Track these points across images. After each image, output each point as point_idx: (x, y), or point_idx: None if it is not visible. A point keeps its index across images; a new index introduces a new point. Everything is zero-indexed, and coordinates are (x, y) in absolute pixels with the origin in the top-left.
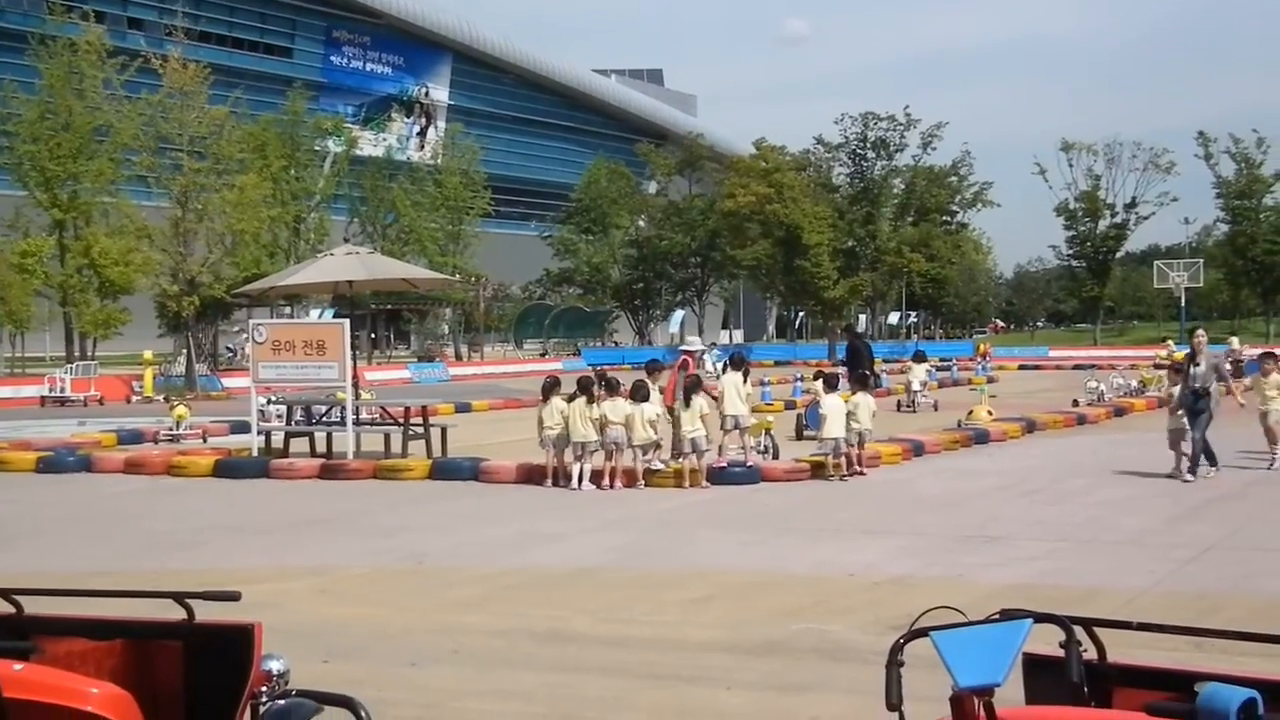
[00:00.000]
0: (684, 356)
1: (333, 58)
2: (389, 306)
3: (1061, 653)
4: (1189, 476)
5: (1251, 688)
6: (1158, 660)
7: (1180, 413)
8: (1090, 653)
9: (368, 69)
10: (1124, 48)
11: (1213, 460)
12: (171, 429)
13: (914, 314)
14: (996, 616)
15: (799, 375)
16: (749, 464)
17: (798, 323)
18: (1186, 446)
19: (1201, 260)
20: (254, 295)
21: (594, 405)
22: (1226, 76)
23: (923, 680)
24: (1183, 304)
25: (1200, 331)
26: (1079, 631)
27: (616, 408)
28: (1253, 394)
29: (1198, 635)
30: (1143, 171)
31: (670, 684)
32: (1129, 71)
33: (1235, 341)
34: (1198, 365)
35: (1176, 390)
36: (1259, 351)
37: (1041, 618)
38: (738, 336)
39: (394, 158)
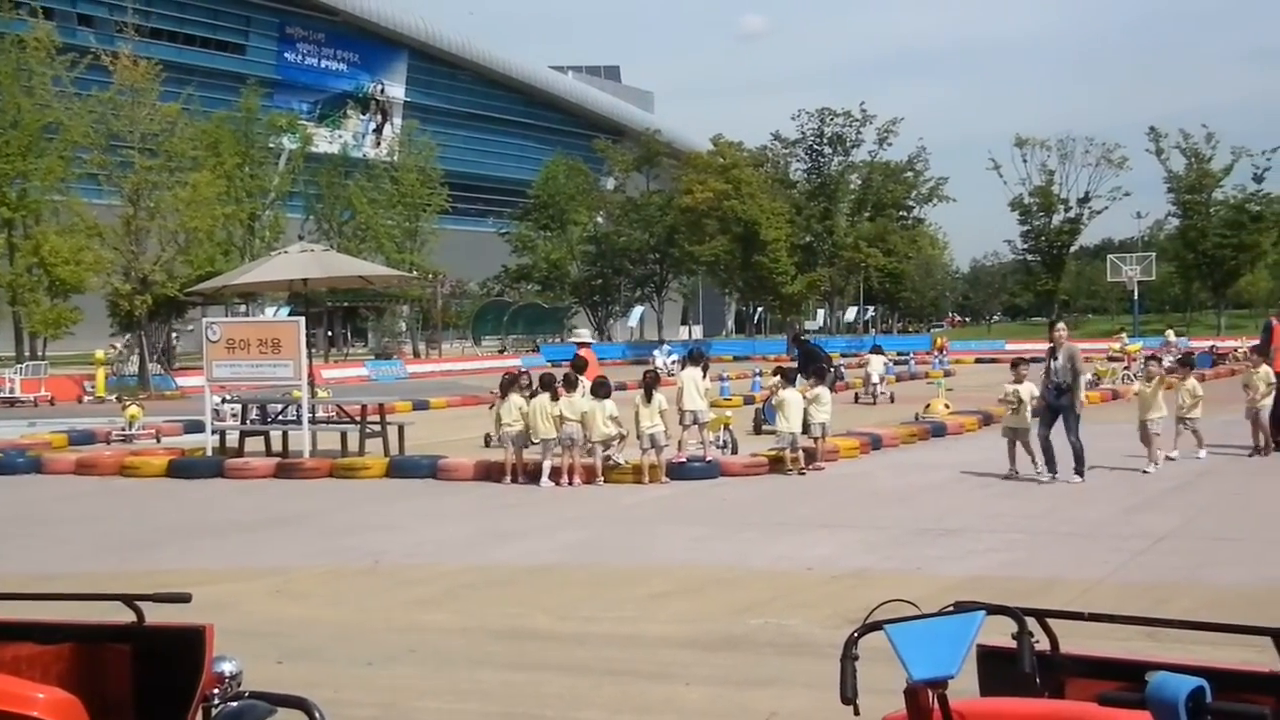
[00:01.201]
0: (579, 351)
1: (287, 54)
2: (345, 304)
3: (1014, 644)
4: (1044, 475)
5: (1200, 676)
6: (1111, 650)
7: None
8: (1043, 644)
9: (323, 65)
10: (1077, 45)
11: (1052, 467)
12: (124, 429)
13: (871, 308)
14: (950, 609)
15: (757, 370)
16: (708, 459)
17: (756, 318)
18: (1034, 444)
19: (1154, 254)
20: (208, 294)
21: (556, 402)
22: (1177, 73)
23: (879, 673)
24: (1136, 297)
25: (1061, 325)
26: (1032, 623)
27: (573, 405)
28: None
29: (1149, 625)
30: (1095, 166)
31: (629, 680)
32: (1082, 68)
33: (1171, 334)
34: (1056, 359)
35: (1018, 387)
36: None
37: (994, 609)
38: (697, 332)
39: (350, 155)
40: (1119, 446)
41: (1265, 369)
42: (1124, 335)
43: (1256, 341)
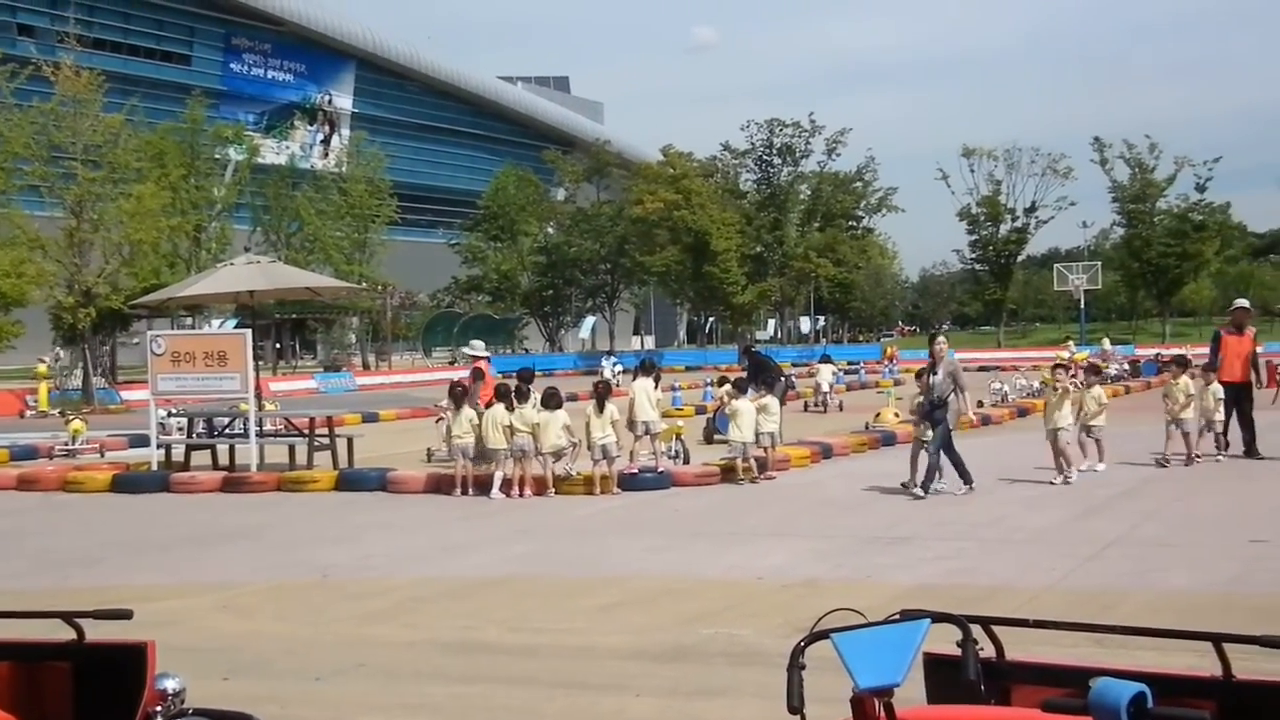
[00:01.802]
0: (475, 364)
1: (233, 65)
2: (294, 316)
3: (960, 652)
4: (919, 492)
5: (1143, 681)
6: (1058, 657)
7: (925, 424)
8: (989, 651)
9: (269, 76)
10: (1024, 56)
11: (966, 478)
12: (67, 444)
13: (822, 318)
14: (896, 617)
15: (709, 380)
16: (660, 469)
17: (708, 328)
18: (941, 459)
19: (1099, 263)
20: (153, 306)
21: (509, 413)
22: (1121, 84)
23: (826, 682)
24: (1082, 306)
25: (941, 339)
26: (977, 630)
27: (524, 416)
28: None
29: (1093, 631)
30: (1041, 176)
31: (580, 692)
32: (1028, 79)
33: (1107, 343)
34: (935, 374)
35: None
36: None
37: (939, 617)
38: (649, 342)
39: (297, 166)
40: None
41: (1185, 380)
42: (1071, 344)
43: (1178, 351)
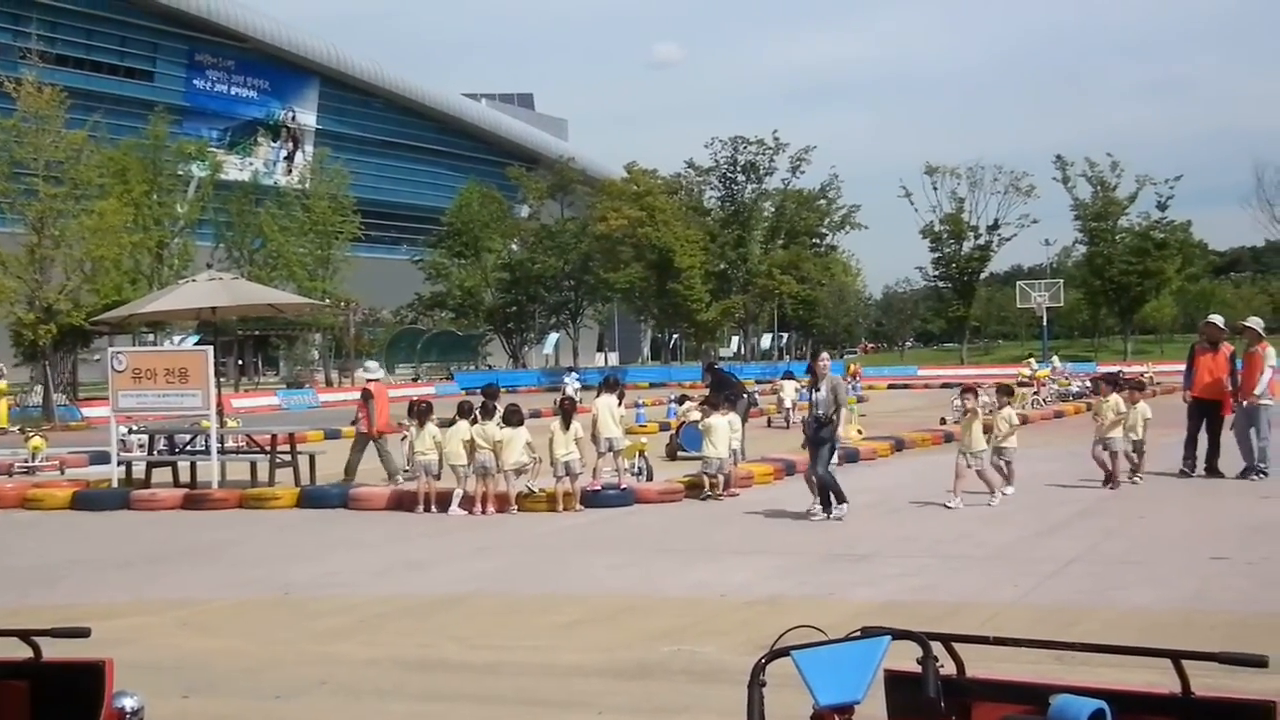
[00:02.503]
0: (367, 386)
1: (196, 81)
2: (256, 332)
3: (920, 669)
4: (816, 511)
5: (1103, 698)
6: (1019, 674)
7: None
8: (950, 668)
9: (232, 93)
10: (986, 74)
11: (841, 498)
12: (27, 461)
13: (786, 335)
14: (857, 634)
15: (673, 397)
16: (623, 486)
17: (672, 345)
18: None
19: (1061, 280)
20: (114, 322)
21: (471, 428)
22: (1084, 102)
23: (788, 699)
24: (1045, 323)
25: (824, 355)
26: (938, 647)
27: (486, 432)
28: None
29: (1052, 648)
30: (1004, 194)
31: (542, 709)
32: (991, 97)
33: (1056, 360)
34: (818, 390)
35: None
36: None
37: (899, 634)
38: (613, 359)
39: (261, 182)
40: (1024, 471)
41: (1114, 398)
42: (1032, 360)
43: (1111, 369)
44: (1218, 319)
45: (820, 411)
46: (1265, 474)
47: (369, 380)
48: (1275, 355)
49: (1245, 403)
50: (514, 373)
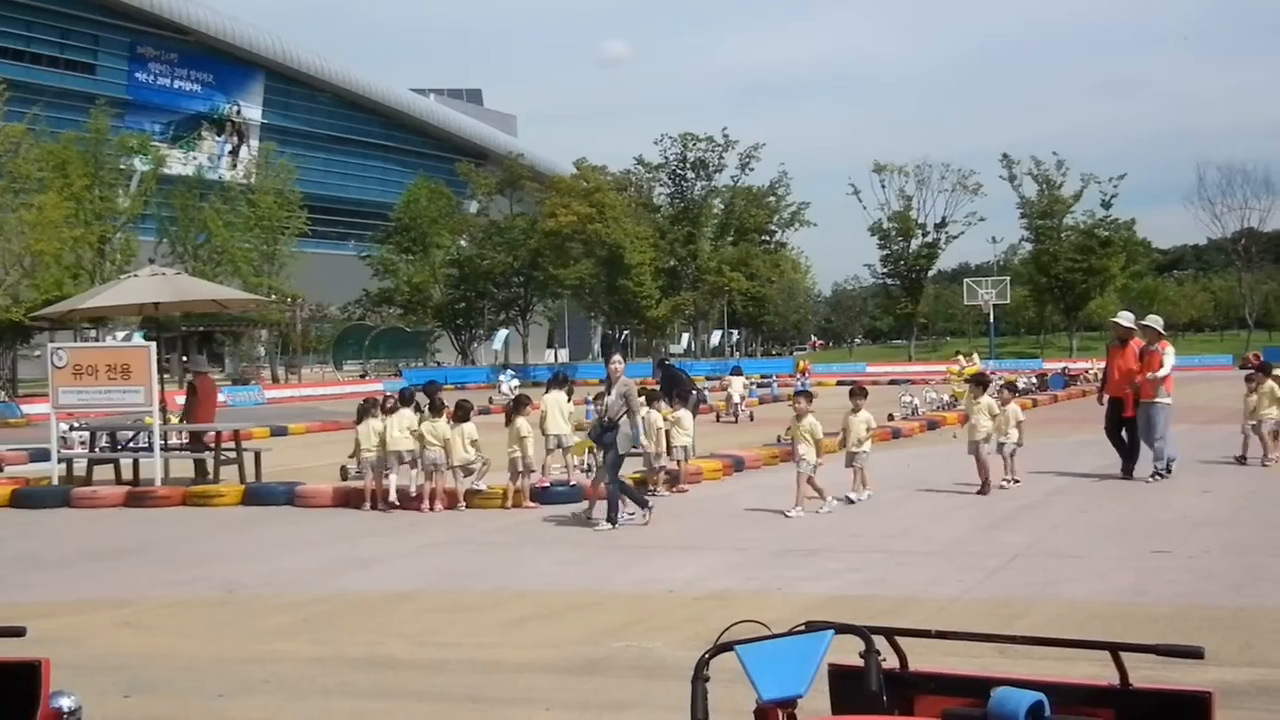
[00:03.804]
0: (192, 380)
1: (138, 74)
2: (201, 328)
3: (864, 663)
4: (605, 526)
5: (1042, 691)
6: (962, 668)
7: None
8: (894, 662)
9: (176, 86)
10: (936, 74)
11: (616, 512)
12: None
13: (736, 332)
14: (801, 629)
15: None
16: (572, 483)
17: (622, 341)
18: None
19: (1008, 278)
20: (55, 318)
21: (416, 419)
22: (1031, 101)
23: (733, 694)
24: (992, 320)
25: (617, 357)
26: (882, 641)
27: (436, 429)
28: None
29: (993, 641)
30: (951, 192)
31: (489, 706)
32: (940, 96)
33: (976, 357)
34: (609, 394)
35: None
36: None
37: (841, 628)
38: (563, 355)
39: (205, 177)
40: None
41: (986, 400)
42: (961, 357)
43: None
44: (1123, 316)
45: (609, 415)
46: (1164, 475)
47: (197, 374)
48: (1174, 354)
49: (1143, 401)
50: (463, 369)
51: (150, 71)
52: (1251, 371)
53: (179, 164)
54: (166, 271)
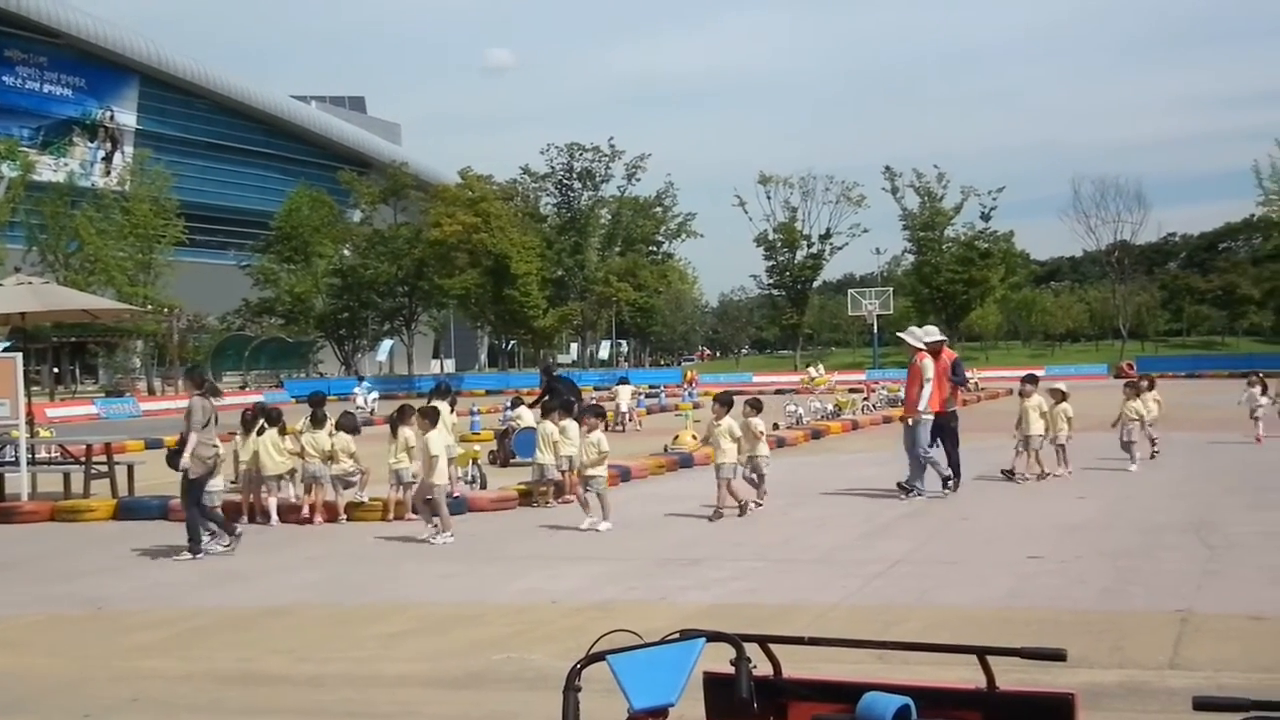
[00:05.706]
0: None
1: (6, 78)
2: (73, 339)
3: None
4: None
5: (911, 695)
6: (832, 674)
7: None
8: (767, 668)
9: (45, 90)
10: (821, 85)
11: (198, 540)
12: None
13: (624, 342)
14: (674, 637)
15: (507, 404)
16: (455, 494)
17: (510, 351)
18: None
19: (891, 289)
20: None
21: (285, 437)
22: (912, 113)
23: (608, 704)
24: (875, 330)
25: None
26: (755, 649)
27: (316, 440)
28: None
29: (863, 647)
30: (836, 204)
31: None
32: (825, 108)
33: (820, 368)
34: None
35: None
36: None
37: (714, 636)
38: (449, 366)
39: (77, 184)
40: (865, 475)
41: (728, 421)
42: (810, 369)
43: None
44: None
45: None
46: (911, 490)
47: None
48: (932, 367)
49: (909, 419)
50: (347, 380)
51: (18, 75)
52: (1131, 380)
53: (49, 170)
54: (33, 280)
